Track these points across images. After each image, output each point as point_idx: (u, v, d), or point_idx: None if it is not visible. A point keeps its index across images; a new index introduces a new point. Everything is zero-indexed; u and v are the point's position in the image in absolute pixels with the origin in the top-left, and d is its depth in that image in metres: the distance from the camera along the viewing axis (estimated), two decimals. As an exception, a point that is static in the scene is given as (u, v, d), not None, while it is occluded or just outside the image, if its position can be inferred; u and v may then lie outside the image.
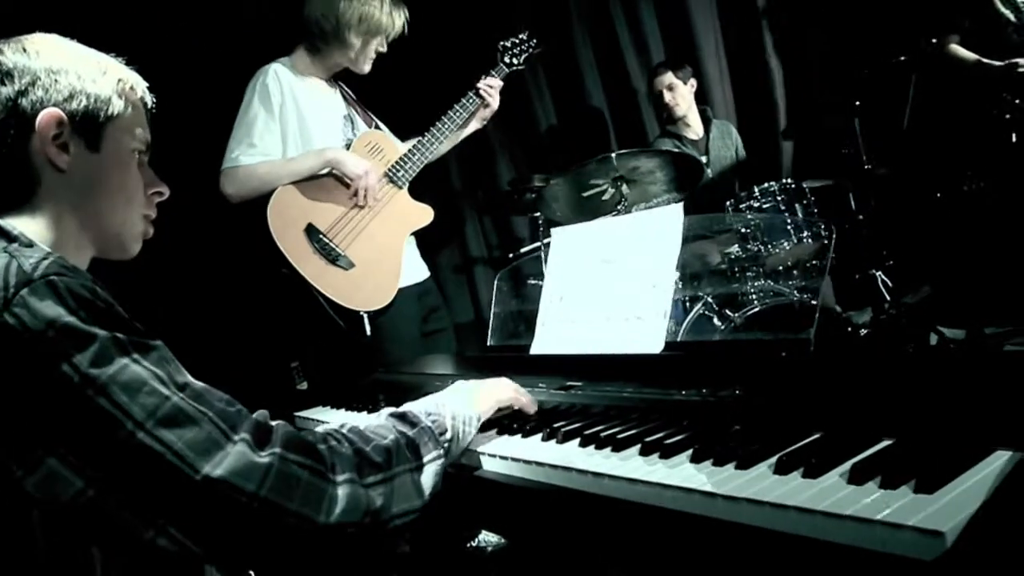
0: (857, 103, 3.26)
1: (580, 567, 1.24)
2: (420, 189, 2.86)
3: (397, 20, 2.78)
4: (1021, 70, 3.37)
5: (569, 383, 1.50)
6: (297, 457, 0.97)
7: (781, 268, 3.27)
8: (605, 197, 3.39)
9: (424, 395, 1.49)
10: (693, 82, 4.14)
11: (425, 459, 1.13)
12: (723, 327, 2.79)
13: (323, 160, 2.66)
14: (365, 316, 2.56)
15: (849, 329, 3.12)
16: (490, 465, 1.29)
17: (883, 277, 3.38)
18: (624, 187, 3.29)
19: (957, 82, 3.61)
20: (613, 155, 3.20)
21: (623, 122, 4.56)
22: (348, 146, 2.79)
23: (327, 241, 2.58)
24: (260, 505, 0.91)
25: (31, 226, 1.05)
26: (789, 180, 3.28)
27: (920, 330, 3.23)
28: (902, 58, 3.38)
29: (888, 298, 3.33)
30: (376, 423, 1.17)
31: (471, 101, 2.93)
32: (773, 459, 0.97)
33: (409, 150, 2.83)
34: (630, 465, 1.08)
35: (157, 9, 3.47)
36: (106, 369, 0.89)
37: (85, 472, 0.88)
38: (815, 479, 0.89)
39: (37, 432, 0.87)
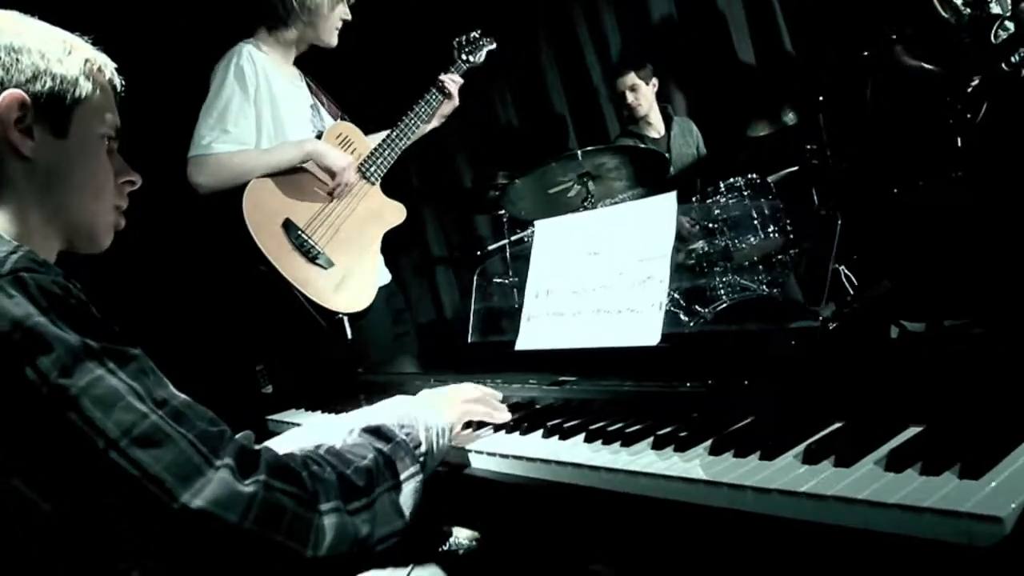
0: (820, 98, 3.28)
1: (601, 567, 1.19)
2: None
3: None
4: (963, 76, 3.43)
5: (563, 378, 1.46)
6: (283, 485, 0.89)
7: (747, 263, 3.29)
8: (571, 194, 3.36)
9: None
10: (655, 81, 4.14)
11: (402, 476, 1.05)
12: (691, 322, 2.78)
13: (303, 152, 2.55)
14: (345, 318, 2.47)
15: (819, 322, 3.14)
16: (487, 464, 1.24)
17: (846, 272, 3.41)
18: (590, 184, 3.27)
19: (905, 87, 3.67)
20: (579, 152, 3.18)
21: (584, 121, 4.56)
22: (319, 136, 2.70)
23: (306, 238, 2.49)
24: (244, 538, 0.83)
25: None
26: (754, 175, 3.29)
27: (882, 323, 3.26)
28: (859, 59, 3.42)
29: (852, 293, 3.36)
30: (351, 441, 1.09)
31: (435, 97, 2.87)
32: (799, 449, 0.94)
33: (379, 145, 2.75)
34: (644, 460, 1.04)
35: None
36: (78, 380, 0.80)
37: (50, 495, 0.79)
38: (849, 468, 0.86)
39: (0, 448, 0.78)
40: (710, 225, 3.23)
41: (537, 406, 1.43)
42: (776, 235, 3.25)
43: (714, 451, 1.00)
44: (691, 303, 2.97)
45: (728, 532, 0.91)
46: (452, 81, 2.89)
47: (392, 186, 2.81)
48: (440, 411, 1.22)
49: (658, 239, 1.47)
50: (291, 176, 2.57)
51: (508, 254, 3.52)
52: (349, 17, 2.73)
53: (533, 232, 3.39)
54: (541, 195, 3.37)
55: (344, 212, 2.62)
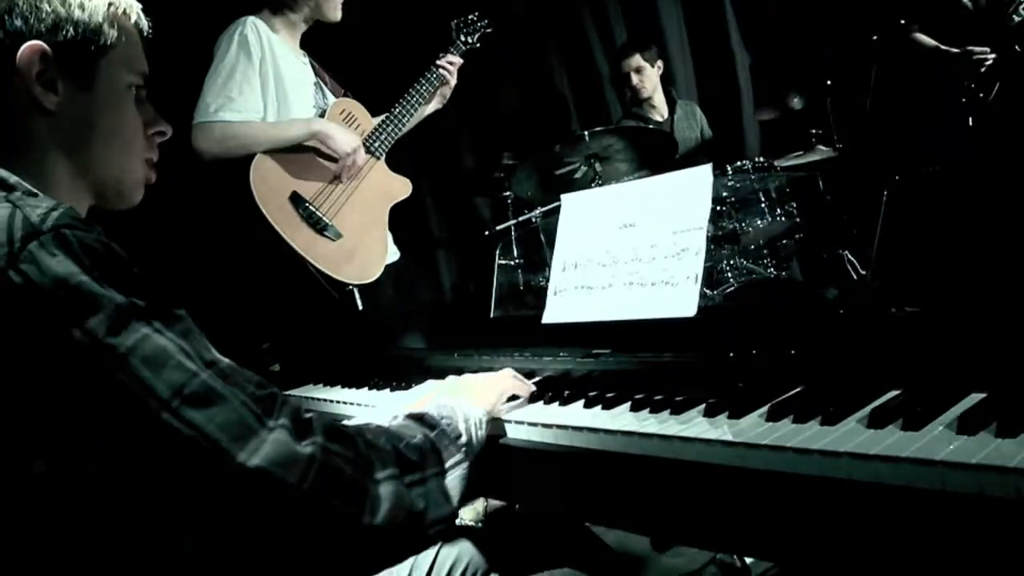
0: (828, 82, 3.28)
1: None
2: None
3: None
4: (976, 57, 3.45)
5: (596, 351, 1.44)
6: (340, 449, 0.86)
7: (753, 247, 3.29)
8: (577, 175, 3.36)
9: (425, 371, 1.40)
10: (660, 64, 4.13)
11: (447, 464, 1.01)
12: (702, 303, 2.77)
13: (309, 131, 2.53)
14: (355, 290, 2.46)
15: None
16: (527, 435, 1.22)
17: (850, 257, 3.42)
18: (597, 165, 3.27)
19: (917, 68, 3.68)
20: (586, 133, 3.17)
21: (586, 104, 4.54)
22: (322, 114, 2.67)
23: (313, 210, 2.47)
24: (301, 500, 0.80)
25: (15, 178, 0.89)
26: (761, 158, 3.28)
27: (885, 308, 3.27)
28: (867, 43, 3.42)
29: (855, 277, 3.37)
30: (396, 423, 1.05)
31: (436, 76, 2.84)
32: (861, 414, 0.93)
33: (383, 120, 2.74)
34: (697, 427, 1.03)
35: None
36: (125, 339, 0.77)
37: (97, 458, 0.76)
38: (918, 431, 0.85)
39: (43, 410, 0.75)
40: (717, 208, 3.22)
41: (572, 378, 1.41)
42: (783, 219, 3.25)
43: (771, 417, 0.99)
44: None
45: (791, 496, 0.89)
46: (450, 63, 2.86)
47: (393, 167, 2.79)
48: (475, 401, 1.18)
49: (694, 211, 1.46)
50: (298, 151, 2.55)
51: (513, 236, 3.50)
52: None
53: (540, 214, 3.40)
54: (547, 176, 3.37)
55: (351, 186, 2.61)
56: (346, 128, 2.63)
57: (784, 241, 3.36)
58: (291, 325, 2.51)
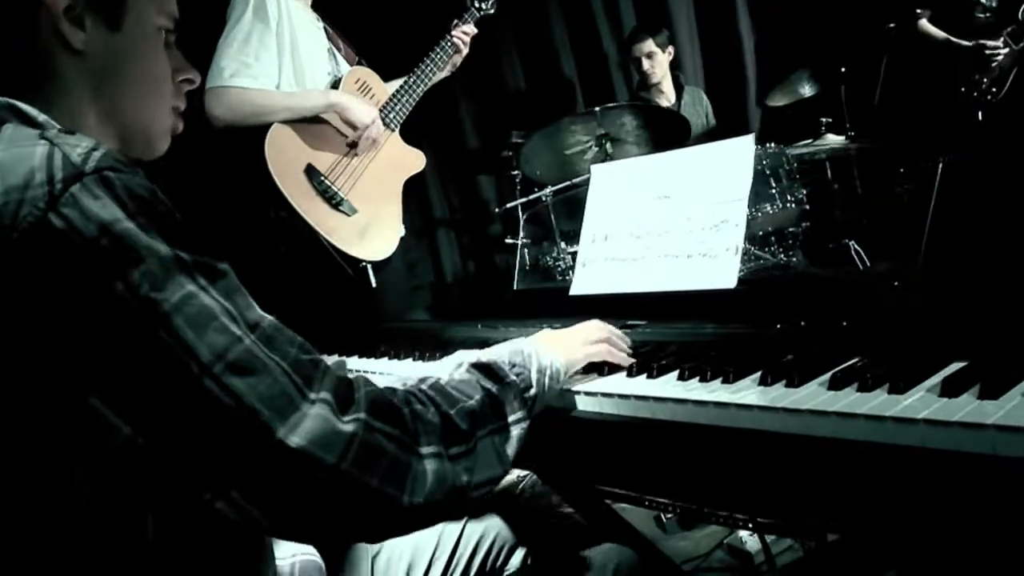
0: (843, 70, 3.26)
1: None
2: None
3: None
4: (988, 52, 3.44)
5: (631, 322, 1.41)
6: (383, 425, 0.82)
7: (761, 233, 3.27)
8: (587, 156, 3.33)
9: (447, 343, 1.36)
10: (671, 49, 4.11)
11: (510, 419, 0.98)
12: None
13: (327, 102, 2.48)
14: (369, 266, 2.41)
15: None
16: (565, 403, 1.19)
17: (856, 246, 3.41)
18: (608, 145, 3.23)
19: (926, 59, 3.67)
20: (597, 109, 3.13)
21: (591, 86, 4.50)
22: (336, 84, 2.62)
23: (329, 184, 2.42)
24: (339, 479, 0.77)
25: (43, 116, 0.85)
26: (772, 145, 3.26)
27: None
28: (880, 31, 3.40)
29: (861, 268, 3.36)
30: (458, 376, 1.01)
31: (449, 44, 2.79)
32: (931, 382, 0.91)
33: (397, 91, 2.68)
34: (754, 395, 1.00)
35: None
36: (170, 295, 0.72)
37: (134, 418, 0.72)
38: (996, 399, 0.83)
39: (79, 364, 0.71)
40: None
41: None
42: (792, 206, 3.23)
43: (833, 386, 0.96)
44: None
45: (862, 465, 0.87)
46: (464, 32, 2.81)
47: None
48: (557, 352, 1.12)
49: (734, 182, 1.43)
50: (313, 123, 2.50)
51: (520, 214, 3.46)
52: None
53: (550, 193, 3.37)
54: (557, 155, 3.34)
55: (366, 159, 2.56)
56: (363, 100, 2.58)
57: (791, 229, 3.34)
58: (305, 299, 2.46)
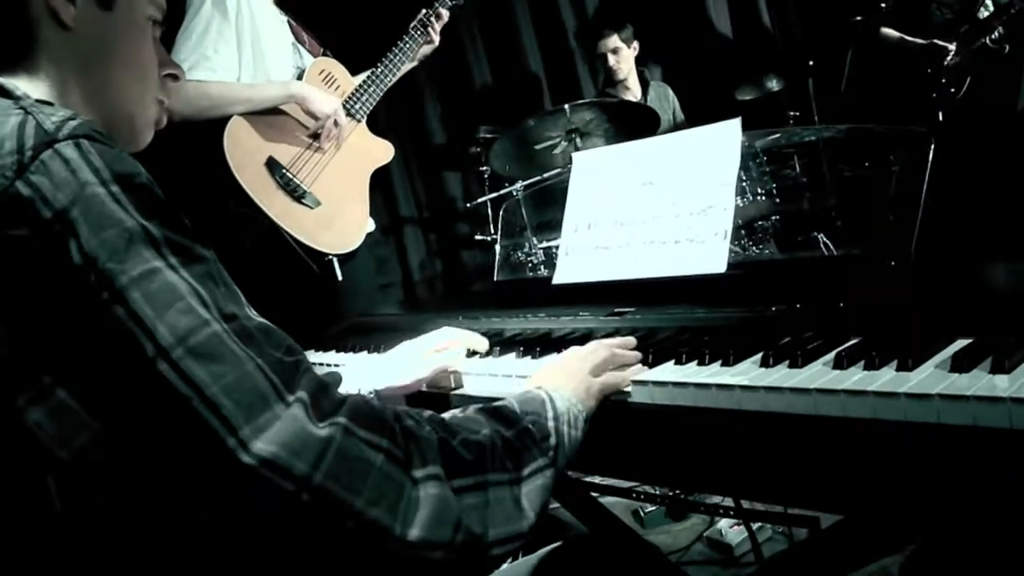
0: (811, 63, 3.28)
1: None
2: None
3: None
4: (942, 51, 3.48)
5: (619, 309, 1.39)
6: (368, 434, 0.71)
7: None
8: (557, 151, 3.31)
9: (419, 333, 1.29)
10: (636, 45, 4.11)
11: (526, 471, 0.84)
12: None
13: (287, 93, 2.41)
14: (335, 259, 2.36)
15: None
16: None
17: (824, 239, 3.43)
18: (578, 140, 3.22)
19: (886, 60, 3.70)
20: (567, 106, 3.12)
21: (558, 81, 4.49)
22: (300, 76, 2.56)
23: (291, 177, 2.35)
24: (312, 496, 0.65)
25: (27, 90, 0.80)
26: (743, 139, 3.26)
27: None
28: (845, 24, 3.43)
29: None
30: (461, 415, 0.88)
31: (420, 33, 2.74)
32: (940, 358, 0.89)
33: (364, 81, 2.63)
34: (757, 376, 0.97)
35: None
36: (130, 268, 0.66)
37: (97, 410, 0.66)
38: (1008, 373, 0.82)
39: (44, 350, 0.65)
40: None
41: (594, 337, 1.35)
42: (763, 198, 3.24)
43: (838, 365, 0.94)
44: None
45: (871, 444, 0.85)
46: (436, 17, 2.76)
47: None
48: (569, 392, 0.98)
49: (721, 166, 1.42)
50: (274, 114, 2.44)
51: (489, 211, 3.43)
52: None
53: (521, 188, 3.33)
54: (526, 151, 3.31)
55: (330, 151, 2.50)
56: (325, 90, 2.53)
57: (761, 222, 3.35)
58: (269, 295, 2.39)
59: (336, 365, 1.46)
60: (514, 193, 3.03)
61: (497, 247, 1.91)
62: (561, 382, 1.00)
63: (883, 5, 3.34)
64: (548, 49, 4.48)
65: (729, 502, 2.08)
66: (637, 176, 1.53)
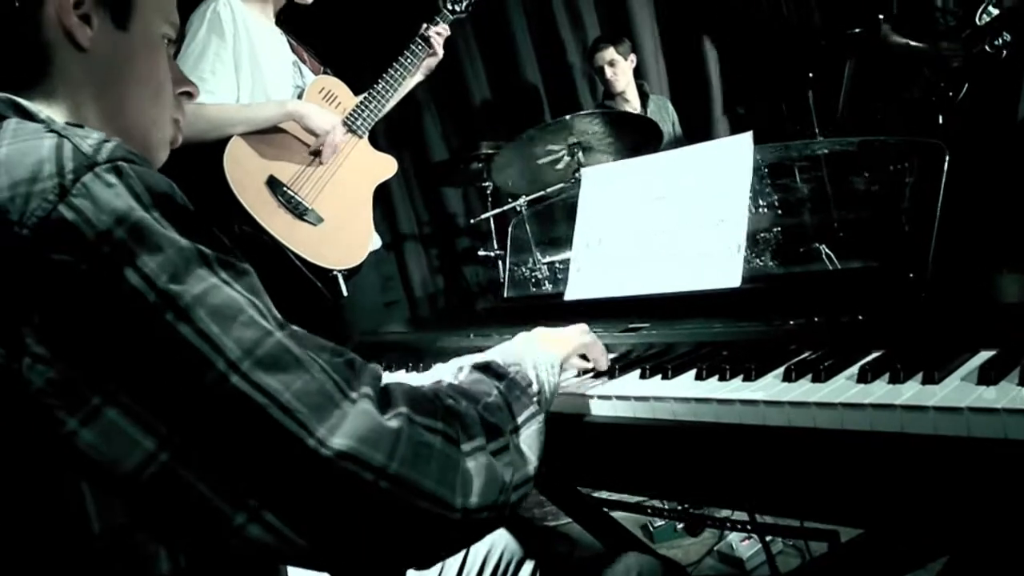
0: (811, 75, 3.29)
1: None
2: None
3: None
4: (945, 55, 3.51)
5: (634, 324, 1.38)
6: (425, 420, 0.76)
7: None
8: (560, 165, 3.31)
9: (438, 353, 1.31)
10: (633, 57, 4.12)
11: (520, 418, 0.91)
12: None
13: (284, 112, 2.41)
14: (340, 276, 2.35)
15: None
16: (579, 408, 1.15)
17: (827, 251, 3.43)
18: (580, 154, 3.22)
19: (888, 65, 3.72)
20: (569, 118, 3.12)
21: (557, 96, 4.50)
22: (301, 95, 2.56)
23: (292, 194, 2.35)
24: (390, 483, 0.70)
25: (44, 112, 0.81)
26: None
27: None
28: (844, 37, 3.44)
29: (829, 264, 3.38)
30: (464, 377, 0.95)
31: (420, 48, 2.74)
32: (965, 371, 0.89)
33: (365, 97, 2.63)
34: (780, 391, 0.97)
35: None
36: (191, 286, 0.67)
37: (157, 428, 0.65)
38: (1039, 386, 0.81)
39: (93, 369, 0.65)
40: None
41: (614, 354, 1.34)
42: (765, 210, 3.25)
43: (862, 379, 0.94)
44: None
45: (898, 457, 0.85)
46: (437, 33, 2.77)
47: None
48: (546, 347, 1.07)
49: (733, 181, 1.42)
50: (275, 133, 2.44)
51: (492, 227, 3.43)
52: None
53: (524, 204, 3.34)
54: (529, 165, 3.31)
55: (332, 166, 2.50)
56: (324, 107, 2.53)
57: (763, 234, 3.36)
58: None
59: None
60: (517, 208, 3.03)
61: (505, 263, 1.91)
62: (540, 340, 1.09)
63: (881, 16, 3.35)
64: (546, 64, 4.49)
65: (739, 514, 2.07)
66: (648, 191, 1.53)
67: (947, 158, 1.17)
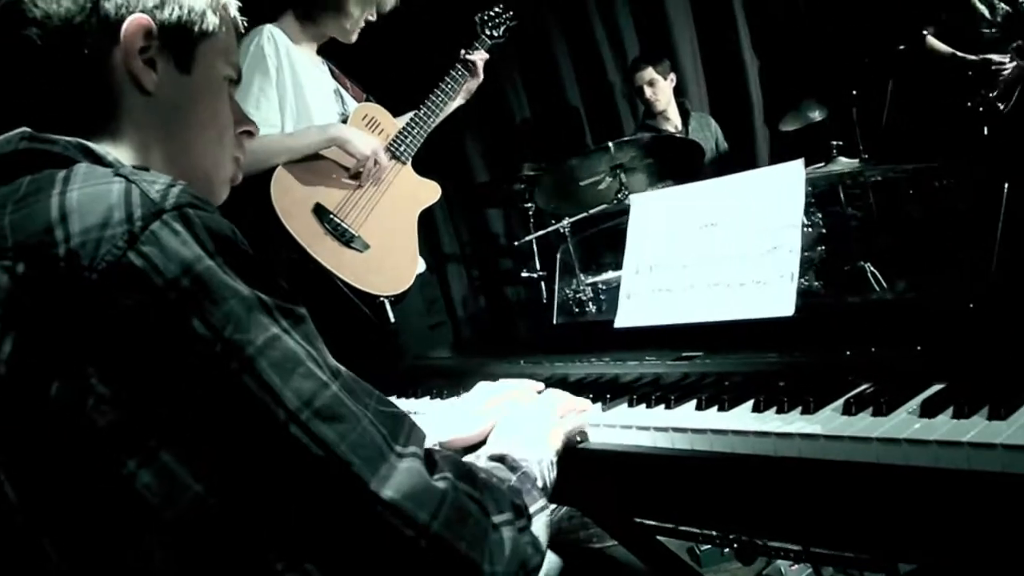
0: (854, 92, 3.27)
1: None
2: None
3: None
4: (994, 66, 3.46)
5: (687, 353, 1.39)
6: (467, 487, 0.79)
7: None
8: (602, 187, 3.32)
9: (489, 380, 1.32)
10: (673, 76, 4.13)
11: (533, 508, 0.91)
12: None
13: (327, 137, 2.46)
14: (387, 301, 2.38)
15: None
16: (629, 439, 1.16)
17: (872, 269, 3.39)
18: (623, 176, 3.23)
19: (933, 75, 3.68)
20: (611, 144, 3.14)
21: (598, 116, 4.53)
22: (344, 121, 2.61)
23: (339, 222, 2.39)
24: (429, 542, 0.72)
25: (112, 154, 0.83)
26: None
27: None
28: (888, 53, 3.42)
29: (878, 289, 3.34)
30: (484, 464, 0.96)
31: (460, 74, 2.79)
32: (1034, 406, 0.88)
33: (408, 123, 2.67)
34: (840, 426, 0.97)
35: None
36: (254, 337, 0.69)
37: (208, 474, 0.68)
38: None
39: (153, 412, 0.67)
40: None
41: (664, 382, 1.35)
42: (809, 229, 3.22)
43: (925, 413, 0.93)
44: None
45: (964, 493, 0.84)
46: (478, 57, 2.81)
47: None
48: (541, 438, 1.06)
49: (785, 208, 1.41)
50: (319, 160, 2.49)
51: (535, 247, 3.44)
52: (374, 18, 2.65)
53: (568, 225, 3.35)
54: (572, 187, 3.33)
55: (376, 194, 2.54)
56: (366, 131, 2.57)
57: (807, 253, 3.33)
58: (324, 341, 2.42)
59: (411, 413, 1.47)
60: (561, 230, 3.04)
61: (550, 284, 1.92)
62: (532, 429, 1.07)
63: (925, 32, 3.32)
64: (587, 84, 4.52)
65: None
66: (698, 217, 1.54)
67: (1007, 183, 1.16)
